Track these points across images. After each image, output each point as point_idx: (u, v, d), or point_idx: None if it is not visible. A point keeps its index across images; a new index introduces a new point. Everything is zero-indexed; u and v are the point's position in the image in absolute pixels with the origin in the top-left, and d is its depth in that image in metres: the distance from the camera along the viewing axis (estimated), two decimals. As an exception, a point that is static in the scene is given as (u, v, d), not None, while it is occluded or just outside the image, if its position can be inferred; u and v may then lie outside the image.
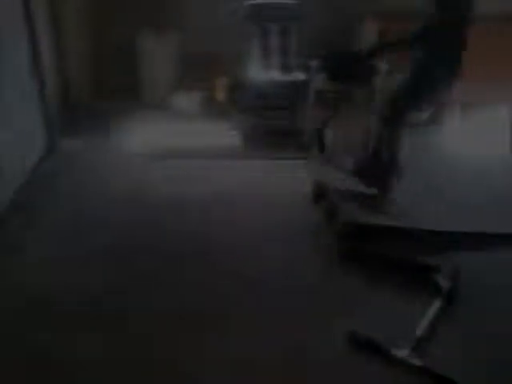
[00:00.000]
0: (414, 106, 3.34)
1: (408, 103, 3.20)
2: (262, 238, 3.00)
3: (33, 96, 3.81)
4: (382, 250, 2.79)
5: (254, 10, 4.60)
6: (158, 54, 5.01)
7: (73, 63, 4.87)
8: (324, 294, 2.52)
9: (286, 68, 4.63)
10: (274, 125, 4.50)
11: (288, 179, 3.73)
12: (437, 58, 3.02)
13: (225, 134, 4.52)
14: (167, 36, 5.03)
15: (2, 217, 3.00)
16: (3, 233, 2.91)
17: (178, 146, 4.25)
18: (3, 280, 2.54)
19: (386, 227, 2.89)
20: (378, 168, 3.27)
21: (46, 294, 2.43)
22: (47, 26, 4.37)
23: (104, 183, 3.60)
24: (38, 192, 3.40)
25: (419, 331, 2.18)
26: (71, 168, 3.83)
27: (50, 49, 4.39)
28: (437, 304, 2.35)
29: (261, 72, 4.57)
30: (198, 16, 5.09)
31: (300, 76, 4.50)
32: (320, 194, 3.34)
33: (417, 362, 2.03)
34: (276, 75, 4.56)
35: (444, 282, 2.46)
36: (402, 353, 2.06)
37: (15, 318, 2.28)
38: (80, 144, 4.21)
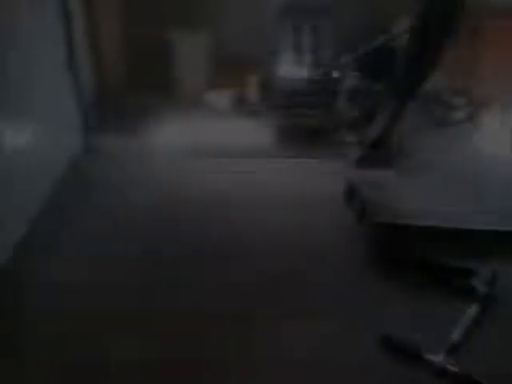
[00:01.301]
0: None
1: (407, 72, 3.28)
2: (292, 239, 2.97)
3: (69, 94, 3.89)
4: (414, 252, 2.73)
5: (286, 7, 4.59)
6: (192, 52, 5.05)
7: (107, 61, 4.94)
8: (356, 295, 2.48)
9: (318, 66, 4.59)
10: (306, 123, 4.46)
11: (319, 178, 3.69)
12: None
13: (256, 133, 4.52)
14: (200, 34, 5.05)
15: (38, 214, 3.05)
16: (40, 231, 2.95)
17: (209, 144, 4.27)
18: (37, 279, 2.57)
19: (416, 227, 2.82)
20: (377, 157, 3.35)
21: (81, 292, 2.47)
22: (82, 23, 4.44)
23: (137, 181, 3.64)
24: (74, 189, 3.46)
25: (455, 336, 2.13)
26: (106, 166, 3.88)
27: (84, 46, 4.47)
28: (473, 309, 2.28)
29: (293, 70, 4.54)
30: (231, 14, 5.10)
31: (332, 73, 4.45)
32: (352, 193, 3.29)
33: (451, 367, 1.98)
34: (308, 73, 4.52)
35: (481, 287, 2.39)
36: (436, 358, 2.02)
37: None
38: (114, 142, 4.27)
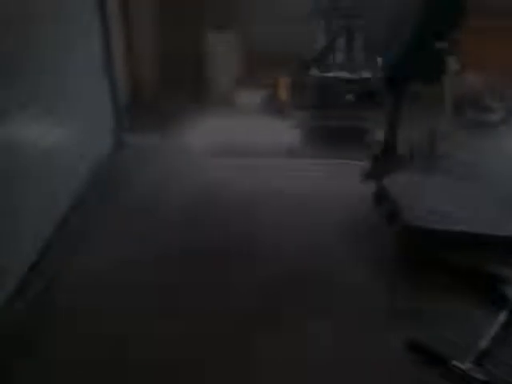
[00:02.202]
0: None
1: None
2: (318, 240, 2.99)
3: (105, 95, 4.00)
4: (445, 256, 2.69)
5: (320, 6, 4.58)
6: (222, 52, 5.09)
7: (140, 61, 5.03)
8: (384, 299, 2.47)
9: (351, 66, 4.56)
10: (337, 124, 4.44)
11: (349, 180, 3.67)
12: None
13: (287, 133, 4.52)
14: (231, 35, 5.09)
15: (66, 212, 3.13)
16: (68, 227, 3.02)
17: (239, 144, 4.30)
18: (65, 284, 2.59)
19: (449, 232, 2.77)
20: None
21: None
22: (118, 26, 4.54)
23: (166, 180, 3.71)
24: (105, 185, 3.57)
25: (483, 344, 2.10)
26: (136, 164, 3.96)
27: (120, 49, 4.56)
28: (503, 316, 2.25)
29: (325, 70, 4.53)
30: (262, 15, 5.12)
31: (365, 74, 4.42)
32: (382, 195, 3.26)
33: (479, 376, 1.95)
34: (341, 73, 4.50)
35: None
36: (463, 365, 1.99)
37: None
38: (145, 140, 4.35)
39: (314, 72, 4.50)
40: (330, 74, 4.48)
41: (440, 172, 3.81)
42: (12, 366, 2.03)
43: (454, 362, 2.00)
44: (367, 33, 4.54)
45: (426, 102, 4.35)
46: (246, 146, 4.28)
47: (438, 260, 2.67)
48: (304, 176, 3.77)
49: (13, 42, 2.42)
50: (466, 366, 1.99)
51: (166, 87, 5.17)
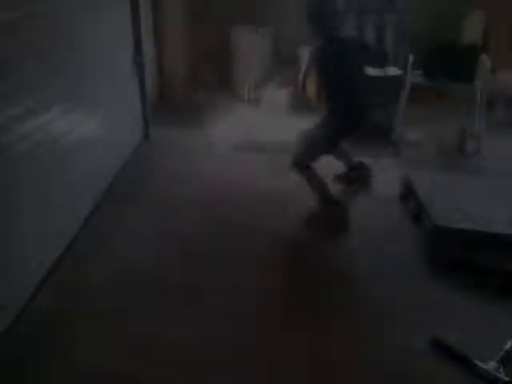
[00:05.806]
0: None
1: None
2: (346, 237, 2.98)
3: (135, 90, 4.07)
4: (472, 256, 2.66)
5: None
6: (251, 50, 5.09)
7: (169, 57, 5.07)
8: (410, 300, 2.44)
9: (381, 64, 4.52)
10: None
11: (377, 177, 3.64)
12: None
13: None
14: (260, 32, 5.09)
15: (99, 200, 3.21)
16: (99, 215, 3.09)
17: (264, 140, 4.30)
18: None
19: (477, 232, 2.73)
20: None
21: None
22: (149, 21, 4.60)
23: (190, 175, 3.72)
24: (132, 179, 3.61)
25: (508, 345, 2.07)
26: (161, 158, 4.00)
27: (150, 44, 4.62)
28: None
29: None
30: (291, 12, 5.11)
31: (395, 71, 4.37)
32: (408, 193, 3.23)
33: (502, 376, 1.93)
34: (370, 70, 4.46)
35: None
36: (487, 365, 1.97)
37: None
38: (172, 135, 4.40)
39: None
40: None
41: (469, 171, 3.77)
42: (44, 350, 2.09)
43: (477, 362, 1.98)
44: (398, 29, 4.50)
45: (457, 100, 4.32)
46: (270, 142, 4.26)
47: (464, 260, 2.64)
48: (328, 173, 3.73)
49: (55, 42, 2.51)
50: (489, 365, 1.97)
51: (193, 83, 5.21)
